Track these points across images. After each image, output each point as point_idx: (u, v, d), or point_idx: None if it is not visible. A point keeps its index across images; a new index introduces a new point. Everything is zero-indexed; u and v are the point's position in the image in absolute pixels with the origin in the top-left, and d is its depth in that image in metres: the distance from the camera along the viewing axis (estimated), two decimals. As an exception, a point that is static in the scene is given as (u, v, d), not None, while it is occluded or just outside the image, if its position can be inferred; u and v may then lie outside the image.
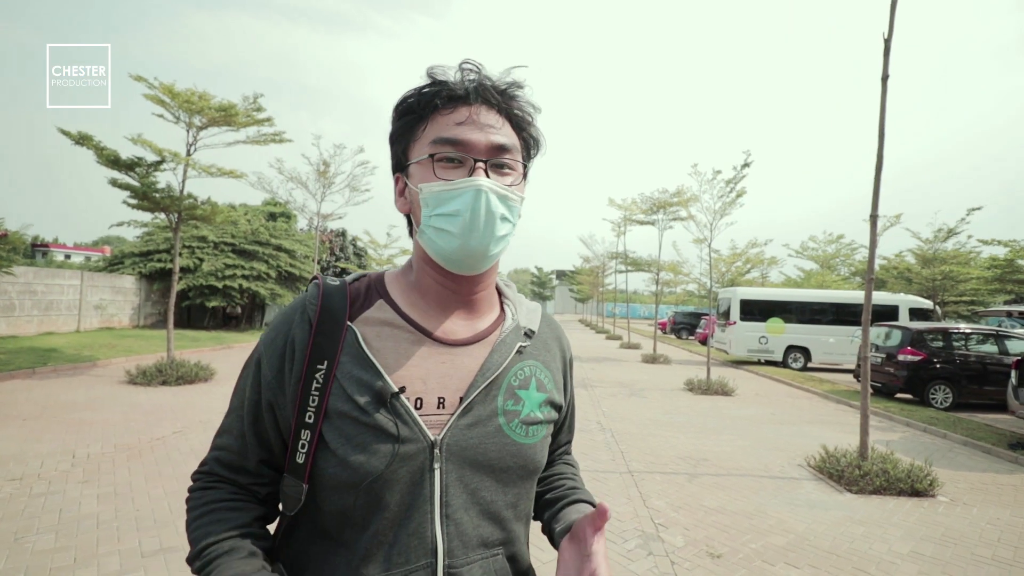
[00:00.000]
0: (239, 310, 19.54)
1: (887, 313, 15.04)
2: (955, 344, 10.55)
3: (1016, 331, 11.33)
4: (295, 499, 0.76)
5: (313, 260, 17.27)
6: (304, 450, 0.74)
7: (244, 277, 18.67)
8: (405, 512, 0.73)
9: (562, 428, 1.00)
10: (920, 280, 15.95)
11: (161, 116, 8.93)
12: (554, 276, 78.89)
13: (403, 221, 0.88)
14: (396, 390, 0.74)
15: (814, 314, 16.13)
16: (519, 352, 0.85)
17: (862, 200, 5.37)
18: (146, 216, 14.20)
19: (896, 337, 10.99)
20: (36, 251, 44.53)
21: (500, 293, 0.93)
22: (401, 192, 0.84)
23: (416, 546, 0.73)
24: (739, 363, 16.86)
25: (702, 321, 26.06)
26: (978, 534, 4.19)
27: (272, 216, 24.18)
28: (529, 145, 0.85)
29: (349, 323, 0.78)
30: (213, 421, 6.54)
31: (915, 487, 4.98)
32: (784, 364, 16.03)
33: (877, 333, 11.61)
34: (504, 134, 0.78)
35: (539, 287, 76.59)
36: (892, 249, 27.36)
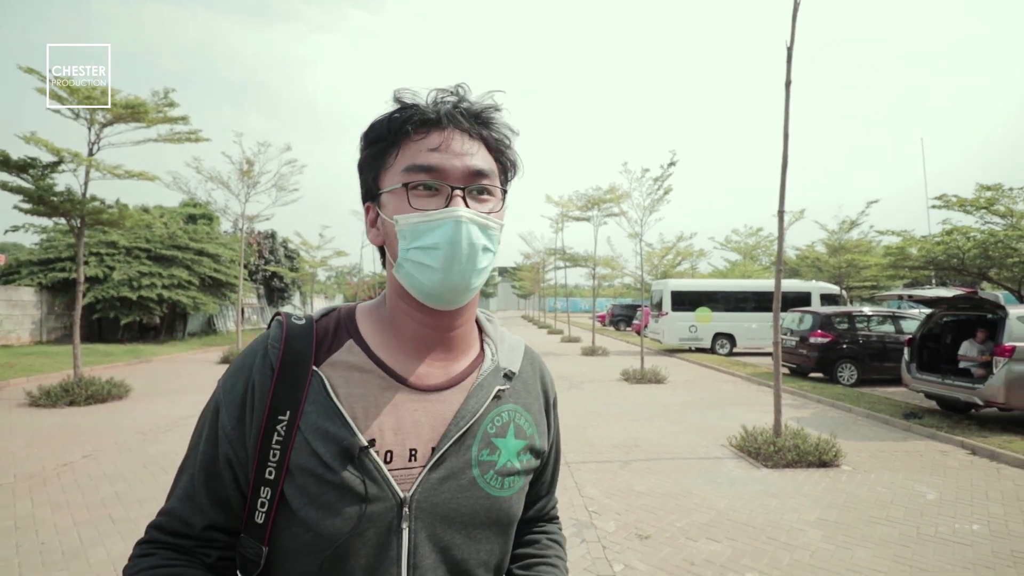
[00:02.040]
0: (157, 320, 18.23)
1: (801, 299, 16.26)
2: (858, 326, 11.57)
3: (910, 312, 12.58)
4: (254, 563, 0.70)
5: (239, 264, 16.41)
6: (264, 509, 0.69)
7: (164, 286, 17.44)
8: None
9: (542, 474, 0.91)
10: (829, 268, 17.37)
11: (57, 111, 8.19)
12: (497, 273, 79.23)
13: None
14: (365, 444, 0.68)
15: (738, 302, 17.18)
16: (497, 397, 0.79)
17: (777, 194, 5.88)
18: (45, 220, 12.99)
19: (808, 321, 11.91)
20: (-88, 262, 39.55)
21: (481, 329, 0.88)
22: (373, 222, 0.78)
23: None
24: (672, 351, 17.66)
25: (638, 312, 27.08)
26: (875, 498, 4.65)
27: (192, 218, 22.72)
28: (506, 168, 0.80)
29: (315, 368, 0.72)
30: (129, 442, 6.12)
31: (822, 458, 5.45)
32: (712, 350, 16.96)
33: (792, 318, 12.53)
34: (481, 158, 0.74)
35: (483, 285, 76.61)
36: (805, 240, 29.51)
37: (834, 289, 17.12)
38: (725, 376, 12.48)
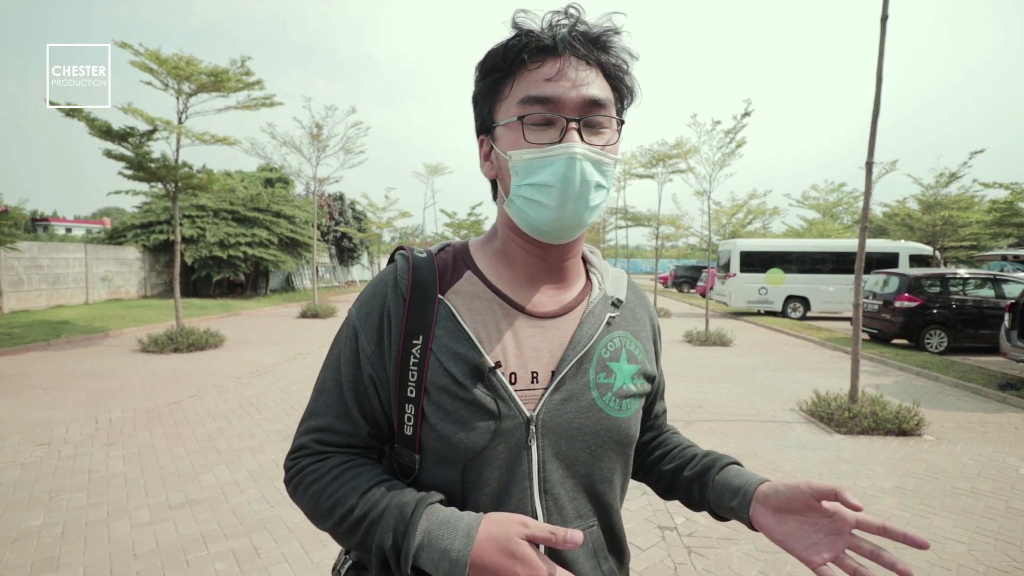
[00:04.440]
0: (243, 277, 19.70)
1: (887, 260, 15.08)
2: (952, 289, 10.64)
3: (1015, 275, 11.39)
4: (409, 468, 0.77)
5: (312, 225, 17.28)
6: (411, 423, 0.74)
7: (248, 244, 18.76)
8: (505, 488, 0.73)
9: (655, 399, 0.97)
10: (921, 226, 15.91)
11: (150, 84, 8.81)
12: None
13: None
14: (492, 365, 0.73)
15: (814, 263, 16.19)
16: (608, 323, 0.82)
17: (861, 141, 5.39)
18: (143, 185, 14.20)
19: (893, 284, 11.07)
20: (36, 225, 44.48)
21: (585, 261, 0.90)
22: (487, 156, 0.80)
23: None
24: (739, 314, 17.06)
25: (703, 274, 26.16)
26: (959, 469, 4.40)
27: (269, 182, 23.99)
28: (623, 96, 0.78)
29: (440, 296, 0.77)
30: (226, 385, 6.78)
31: (902, 427, 5.19)
32: (783, 314, 16.21)
33: (875, 280, 11.69)
34: (598, 86, 0.72)
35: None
36: (895, 195, 27.06)
37: (926, 250, 15.70)
38: (796, 340, 11.96)
